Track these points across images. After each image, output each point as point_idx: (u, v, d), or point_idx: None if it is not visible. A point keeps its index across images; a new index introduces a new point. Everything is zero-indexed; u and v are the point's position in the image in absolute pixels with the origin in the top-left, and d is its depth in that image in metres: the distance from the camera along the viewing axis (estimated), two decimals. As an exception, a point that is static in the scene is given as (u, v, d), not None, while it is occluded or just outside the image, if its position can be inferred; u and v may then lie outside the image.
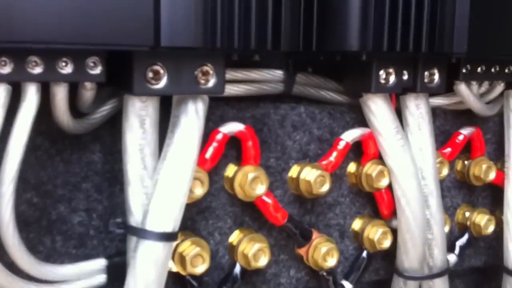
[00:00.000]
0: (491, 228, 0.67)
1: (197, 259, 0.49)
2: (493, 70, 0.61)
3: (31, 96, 0.42)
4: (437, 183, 0.59)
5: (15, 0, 0.38)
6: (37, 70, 0.41)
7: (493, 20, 0.56)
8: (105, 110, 0.48)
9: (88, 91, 0.44)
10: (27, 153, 0.42)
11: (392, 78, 0.55)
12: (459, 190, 0.66)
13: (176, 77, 0.45)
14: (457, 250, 0.66)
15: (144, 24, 0.41)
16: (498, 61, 0.60)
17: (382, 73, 0.55)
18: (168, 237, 0.45)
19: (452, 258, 0.65)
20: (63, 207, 0.48)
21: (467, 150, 0.66)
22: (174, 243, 0.47)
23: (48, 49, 0.40)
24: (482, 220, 0.66)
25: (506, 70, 0.61)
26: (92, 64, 0.43)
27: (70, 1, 0.39)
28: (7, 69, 0.40)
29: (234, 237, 0.54)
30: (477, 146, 0.65)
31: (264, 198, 0.53)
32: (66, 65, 0.42)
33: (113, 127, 0.48)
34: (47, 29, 0.39)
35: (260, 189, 0.52)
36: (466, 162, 0.65)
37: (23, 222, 0.45)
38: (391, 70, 0.55)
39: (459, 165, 0.66)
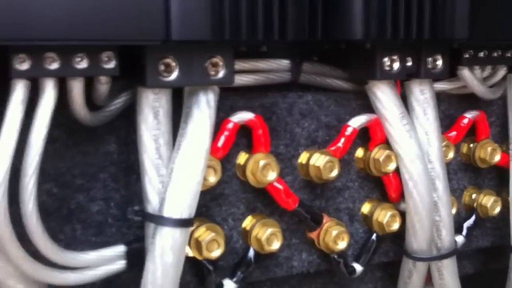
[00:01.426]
0: (497, 209, 0.68)
1: (213, 244, 0.51)
2: (495, 54, 0.62)
3: (49, 91, 0.43)
4: (443, 166, 0.61)
5: (32, 1, 0.39)
6: (54, 65, 0.43)
7: (493, 5, 0.57)
8: (119, 102, 0.49)
9: (103, 85, 0.46)
10: (46, 145, 0.44)
11: (396, 65, 0.56)
12: (465, 173, 0.68)
13: (187, 69, 0.47)
14: (464, 231, 0.67)
15: (155, 19, 0.43)
16: (500, 46, 0.62)
17: (386, 60, 0.56)
18: (184, 223, 0.47)
19: (460, 239, 0.67)
20: (81, 197, 0.49)
21: (472, 133, 0.67)
22: (190, 229, 0.49)
23: (63, 45, 0.42)
24: (489, 202, 0.67)
25: (508, 54, 0.63)
26: (106, 59, 0.44)
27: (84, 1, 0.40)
28: (25, 66, 0.42)
29: (247, 222, 0.55)
30: (482, 129, 0.67)
31: (275, 184, 0.55)
32: (81, 60, 0.43)
33: (127, 118, 0.50)
34: (62, 27, 0.40)
35: (271, 175, 0.54)
36: (471, 145, 0.67)
37: (44, 212, 0.46)
38: (395, 57, 0.56)
39: (464, 148, 0.67)
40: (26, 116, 0.43)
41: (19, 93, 0.42)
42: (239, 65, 0.54)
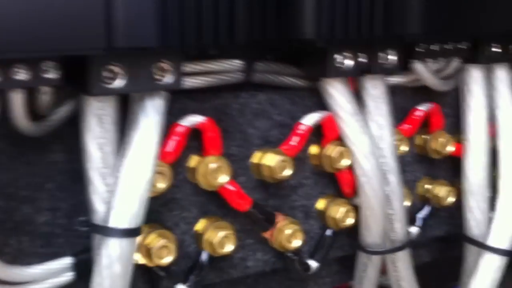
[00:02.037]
0: (450, 199, 0.69)
1: (163, 250, 0.50)
2: (447, 47, 0.62)
3: (-13, 104, 0.42)
4: (396, 160, 0.61)
5: None
6: None
7: (444, 1, 0.57)
8: (63, 111, 0.48)
9: (44, 95, 0.45)
10: None
11: (348, 62, 0.56)
12: (420, 164, 0.68)
13: (133, 76, 0.46)
14: (419, 222, 0.68)
15: (97, 27, 0.42)
16: (452, 39, 0.62)
17: (338, 57, 0.55)
18: (131, 232, 0.46)
19: (415, 230, 0.68)
20: (27, 208, 0.48)
21: (427, 125, 0.67)
22: (138, 238, 0.48)
23: (1, 58, 0.40)
24: (442, 191, 0.68)
25: (462, 46, 0.63)
26: (47, 69, 0.43)
27: (15, 12, 0.39)
28: None
29: (200, 225, 0.55)
30: (435, 120, 0.67)
31: (228, 186, 0.54)
32: (20, 72, 0.42)
33: (74, 126, 0.48)
34: None
35: (223, 178, 0.53)
36: (425, 137, 0.67)
37: None
38: (347, 54, 0.56)
39: (418, 140, 0.68)
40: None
41: (-46, 108, 0.41)
42: (190, 67, 0.53)
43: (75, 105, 0.48)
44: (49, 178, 0.49)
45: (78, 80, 0.46)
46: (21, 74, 0.42)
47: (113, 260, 0.45)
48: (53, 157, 0.49)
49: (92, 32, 0.42)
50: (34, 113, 0.46)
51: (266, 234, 0.58)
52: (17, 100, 0.44)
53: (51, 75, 0.43)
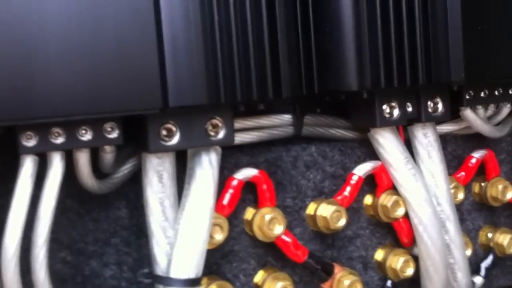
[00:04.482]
0: (515, 247, 0.67)
1: (224, 301, 0.52)
2: (496, 93, 0.62)
3: (56, 164, 0.46)
4: (453, 207, 0.61)
5: (34, 82, 0.42)
6: (60, 139, 0.45)
7: (487, 45, 0.58)
8: (126, 168, 0.51)
9: (108, 154, 0.48)
10: (59, 215, 0.46)
11: (396, 111, 0.57)
12: (479, 212, 0.67)
13: (188, 132, 0.49)
14: (483, 272, 0.67)
15: (152, 89, 0.45)
16: (500, 84, 0.62)
17: (385, 107, 0.57)
18: (192, 283, 0.48)
19: (479, 280, 0.66)
20: (95, 263, 0.51)
21: (483, 172, 0.67)
22: (199, 288, 0.50)
23: (67, 121, 0.44)
24: (505, 240, 0.66)
25: (510, 91, 0.63)
26: (109, 129, 0.47)
27: (82, 77, 0.43)
28: (32, 142, 0.44)
29: (259, 277, 0.56)
30: (491, 167, 0.67)
31: (283, 237, 0.55)
32: (85, 133, 0.46)
33: (136, 183, 0.51)
34: (65, 103, 0.43)
35: (278, 229, 0.55)
36: (482, 184, 0.67)
37: (60, 280, 0.48)
38: (394, 104, 0.57)
39: (476, 188, 0.67)
40: (36, 188, 0.45)
41: (27, 168, 0.45)
42: (241, 123, 0.55)
43: (137, 163, 0.51)
44: (114, 234, 0.52)
45: (139, 139, 0.49)
46: (87, 135, 0.46)
47: (175, 309, 0.47)
48: (118, 213, 0.52)
49: (149, 93, 0.45)
50: (99, 172, 0.50)
51: (325, 286, 0.58)
52: (82, 160, 0.47)
53: (114, 135, 0.47)
